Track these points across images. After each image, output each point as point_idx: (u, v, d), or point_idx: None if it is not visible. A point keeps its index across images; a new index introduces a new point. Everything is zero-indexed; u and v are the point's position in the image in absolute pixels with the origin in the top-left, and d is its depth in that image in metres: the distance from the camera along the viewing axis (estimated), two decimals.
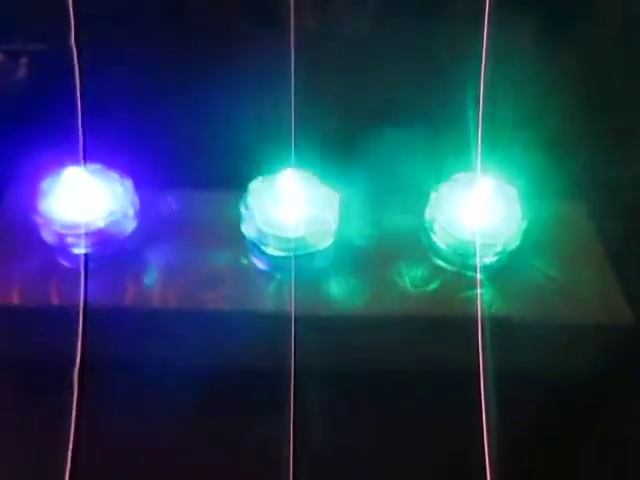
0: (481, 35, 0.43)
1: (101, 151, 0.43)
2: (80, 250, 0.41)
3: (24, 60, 0.74)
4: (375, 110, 0.51)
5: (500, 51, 0.43)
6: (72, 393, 0.38)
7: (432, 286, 0.42)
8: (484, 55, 0.42)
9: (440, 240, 0.42)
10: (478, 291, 0.40)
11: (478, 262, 0.40)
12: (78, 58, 0.41)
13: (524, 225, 0.41)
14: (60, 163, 0.43)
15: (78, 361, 0.38)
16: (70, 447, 0.36)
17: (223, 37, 0.53)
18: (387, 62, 0.52)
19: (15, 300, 0.41)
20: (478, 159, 0.42)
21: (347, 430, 0.42)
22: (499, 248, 0.40)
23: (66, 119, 0.43)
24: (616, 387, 0.42)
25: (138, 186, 0.44)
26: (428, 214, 0.42)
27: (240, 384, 0.42)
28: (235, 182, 0.44)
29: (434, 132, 0.47)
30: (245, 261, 0.43)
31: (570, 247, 0.44)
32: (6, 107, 0.60)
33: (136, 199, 0.43)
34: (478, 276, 0.40)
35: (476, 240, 0.40)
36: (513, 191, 0.42)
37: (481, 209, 0.41)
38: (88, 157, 0.43)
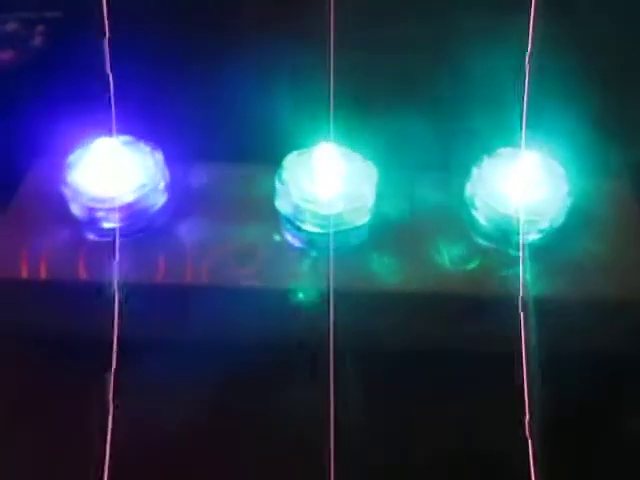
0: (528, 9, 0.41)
1: (131, 123, 0.42)
2: (109, 224, 0.40)
3: (40, 28, 0.73)
4: (414, 84, 0.50)
5: (547, 25, 0.41)
6: (103, 370, 0.37)
7: (472, 264, 0.41)
8: (531, 28, 0.40)
9: (481, 216, 0.40)
10: (521, 267, 0.39)
11: (522, 239, 0.38)
12: (109, 26, 0.40)
13: (570, 202, 0.39)
14: (90, 135, 0.42)
15: (115, 338, 0.38)
16: (109, 426, 0.36)
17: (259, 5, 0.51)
18: (425, 35, 0.50)
19: (42, 274, 0.40)
20: (522, 134, 0.40)
21: (384, 408, 0.41)
22: (544, 225, 0.39)
23: (93, 89, 0.42)
24: None
25: (168, 159, 0.42)
26: (469, 189, 0.41)
27: (274, 361, 0.41)
28: (269, 157, 0.43)
29: (477, 107, 0.45)
30: (279, 237, 0.42)
31: (616, 225, 0.42)
32: (28, 76, 0.59)
33: (167, 172, 0.42)
34: (521, 253, 0.39)
35: (519, 215, 0.38)
36: (559, 167, 0.41)
37: (526, 184, 0.39)
38: (118, 128, 0.41)
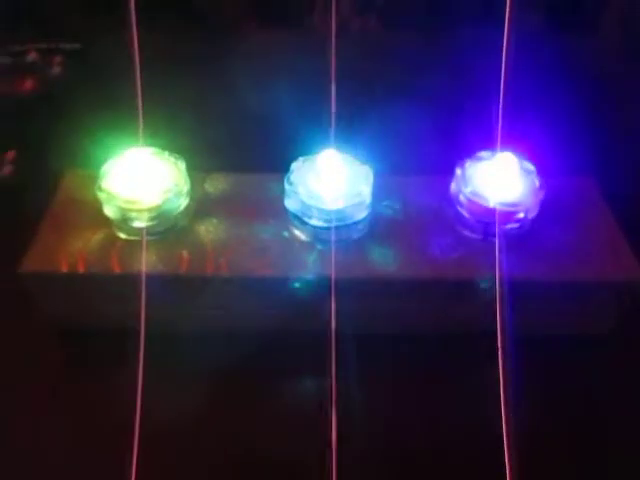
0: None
1: (158, 137, 0.48)
2: (139, 224, 0.45)
3: (58, 58, 0.79)
4: (402, 94, 0.56)
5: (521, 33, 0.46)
6: (133, 358, 0.41)
7: (459, 252, 0.46)
8: (506, 33, 0.45)
9: (465, 210, 0.46)
10: (496, 254, 0.44)
11: (497, 228, 0.44)
12: (138, 45, 0.45)
13: (542, 195, 0.45)
14: (121, 147, 0.47)
15: (142, 327, 0.42)
16: (137, 415, 0.39)
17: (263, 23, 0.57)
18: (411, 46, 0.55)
19: (80, 269, 0.45)
20: (498, 138, 0.46)
21: (382, 390, 0.46)
22: (520, 216, 0.45)
23: (116, 109, 0.47)
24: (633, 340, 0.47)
25: (191, 168, 0.48)
26: (454, 187, 0.47)
27: (284, 345, 0.46)
28: (277, 166, 0.48)
29: (458, 113, 0.51)
30: (288, 234, 0.47)
31: (584, 216, 0.48)
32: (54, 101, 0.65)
33: (188, 179, 0.47)
34: (497, 240, 0.44)
35: (497, 208, 0.44)
36: (531, 166, 0.47)
37: (503, 181, 0.45)
38: (146, 142, 0.47)
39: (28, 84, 0.75)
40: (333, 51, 0.44)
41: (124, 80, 0.45)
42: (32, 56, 0.78)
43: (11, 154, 0.64)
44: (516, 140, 0.47)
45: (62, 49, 0.80)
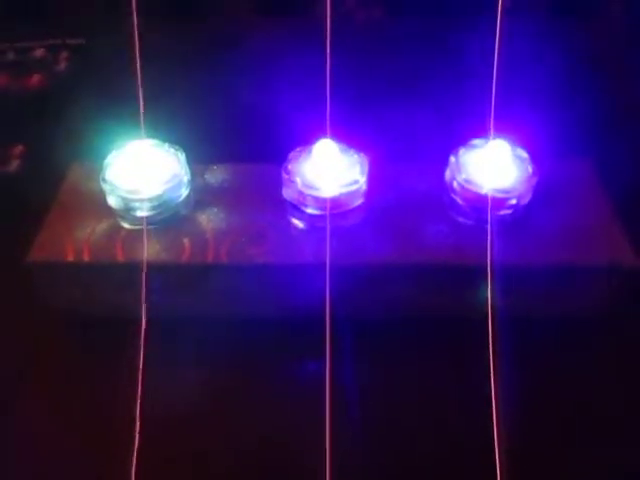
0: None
1: (158, 129, 0.49)
2: (142, 213, 0.47)
3: (65, 54, 0.81)
4: (395, 82, 0.56)
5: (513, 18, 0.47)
6: (136, 346, 0.42)
7: (452, 239, 0.47)
8: (499, 21, 0.46)
9: (459, 197, 0.47)
10: (488, 239, 0.45)
11: (489, 214, 0.45)
12: (139, 41, 0.46)
13: (534, 182, 0.46)
14: (123, 140, 0.48)
15: (144, 313, 0.44)
16: (138, 401, 0.41)
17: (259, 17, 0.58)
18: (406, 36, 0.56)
19: (86, 258, 0.46)
20: (491, 125, 0.47)
21: (378, 375, 0.47)
22: (512, 202, 0.45)
23: (118, 103, 0.48)
24: (626, 322, 0.48)
25: (190, 159, 0.49)
26: (447, 175, 0.48)
27: (281, 330, 0.47)
28: (274, 157, 0.49)
29: (450, 102, 0.52)
30: (285, 222, 0.48)
31: (579, 200, 0.49)
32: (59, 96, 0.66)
33: (188, 170, 0.49)
34: (489, 226, 0.45)
35: (490, 195, 0.45)
36: (524, 153, 0.47)
37: (496, 168, 0.46)
38: (147, 134, 0.48)
39: (35, 80, 0.77)
40: (328, 41, 0.45)
41: (127, 75, 0.46)
42: (39, 52, 0.80)
43: (18, 149, 0.66)
44: (510, 127, 0.47)
45: (68, 45, 0.81)
